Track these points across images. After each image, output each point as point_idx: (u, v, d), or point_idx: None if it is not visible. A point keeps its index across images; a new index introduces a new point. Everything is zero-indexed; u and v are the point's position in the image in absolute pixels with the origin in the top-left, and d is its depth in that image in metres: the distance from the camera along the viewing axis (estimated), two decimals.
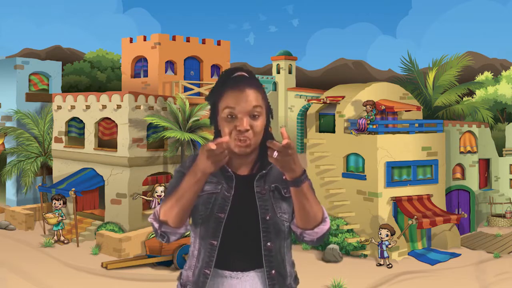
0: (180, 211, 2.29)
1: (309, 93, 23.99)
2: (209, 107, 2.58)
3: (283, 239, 2.46)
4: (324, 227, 2.40)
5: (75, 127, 17.63)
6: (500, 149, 20.35)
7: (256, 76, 2.55)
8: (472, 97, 28.79)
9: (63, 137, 17.84)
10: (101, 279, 12.10)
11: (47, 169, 19.79)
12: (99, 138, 16.87)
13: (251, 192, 2.44)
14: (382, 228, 13.68)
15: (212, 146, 2.14)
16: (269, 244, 2.40)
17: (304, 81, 37.72)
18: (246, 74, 2.44)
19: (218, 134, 2.52)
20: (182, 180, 2.31)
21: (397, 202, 14.73)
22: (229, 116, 2.36)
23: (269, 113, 2.51)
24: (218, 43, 20.94)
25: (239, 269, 2.42)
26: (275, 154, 2.14)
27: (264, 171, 2.46)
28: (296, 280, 2.59)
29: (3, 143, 20.12)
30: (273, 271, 2.43)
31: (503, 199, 19.34)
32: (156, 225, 2.35)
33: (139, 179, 16.06)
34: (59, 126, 17.96)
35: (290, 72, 26.28)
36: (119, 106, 15.99)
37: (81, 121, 17.32)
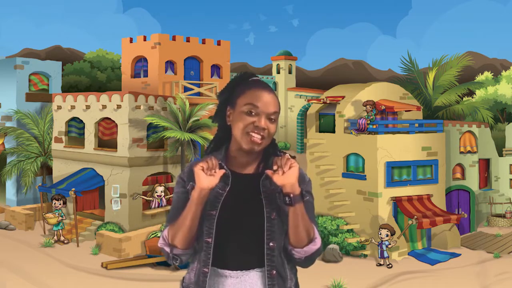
0: (185, 234, 2.37)
1: (309, 93, 24.00)
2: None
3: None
4: (313, 247, 2.42)
5: (75, 127, 17.63)
6: (500, 149, 20.34)
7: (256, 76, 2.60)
8: (472, 97, 28.78)
9: (63, 137, 17.83)
10: (101, 279, 12.10)
11: (47, 169, 19.78)
12: (99, 138, 16.87)
13: (256, 191, 2.46)
14: (382, 228, 13.68)
15: (201, 164, 2.33)
16: (271, 244, 2.41)
17: (304, 81, 37.70)
18: None
19: (223, 130, 2.56)
20: (181, 196, 2.49)
21: (397, 202, 14.73)
22: (248, 112, 2.42)
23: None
24: (218, 43, 20.95)
25: (239, 268, 2.42)
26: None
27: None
28: (297, 286, 2.58)
29: (3, 143, 20.12)
30: (274, 272, 2.42)
31: (503, 199, 19.34)
32: (168, 249, 2.43)
33: (139, 179, 16.06)
34: (59, 126, 17.96)
35: (290, 72, 26.30)
36: (119, 106, 15.99)
37: (81, 121, 17.31)
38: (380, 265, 13.65)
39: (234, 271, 2.42)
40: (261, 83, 2.52)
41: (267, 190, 2.45)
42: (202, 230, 2.43)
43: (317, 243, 2.43)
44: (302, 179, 2.57)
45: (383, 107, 15.01)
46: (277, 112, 2.47)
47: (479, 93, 28.95)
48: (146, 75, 19.66)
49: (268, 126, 2.42)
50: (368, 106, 14.83)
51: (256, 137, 2.39)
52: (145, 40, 19.72)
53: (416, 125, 15.58)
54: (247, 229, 2.41)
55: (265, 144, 2.45)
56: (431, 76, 24.55)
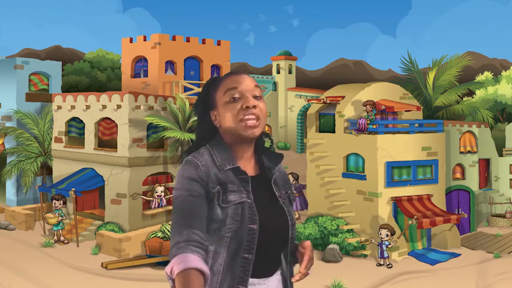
0: None
1: (309, 93, 24.03)
2: None
3: None
4: None
5: (75, 127, 17.63)
6: (500, 149, 20.34)
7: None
8: (472, 97, 28.79)
9: (63, 137, 17.83)
10: (101, 279, 12.10)
11: (47, 169, 19.78)
12: (99, 138, 16.87)
13: (269, 195, 2.35)
14: (382, 228, 13.67)
15: None
16: (289, 248, 2.42)
17: (304, 81, 37.72)
18: None
19: (206, 132, 2.40)
20: (197, 201, 2.14)
21: (397, 202, 14.73)
22: (232, 99, 2.25)
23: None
24: (218, 43, 20.94)
25: (266, 275, 2.32)
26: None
27: (276, 173, 2.43)
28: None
29: (3, 143, 20.12)
30: (288, 274, 2.46)
31: (503, 199, 19.33)
32: (171, 283, 2.07)
33: (139, 179, 16.05)
34: (59, 126, 17.95)
35: (290, 72, 26.29)
36: (119, 106, 15.98)
37: (81, 121, 17.31)
38: (380, 265, 13.65)
39: (261, 278, 2.29)
40: (232, 72, 2.39)
41: (282, 195, 2.39)
42: (240, 244, 2.18)
43: None
44: (287, 180, 2.56)
45: (383, 107, 15.01)
46: (259, 87, 2.31)
47: (479, 93, 28.95)
48: (146, 75, 19.65)
49: (258, 104, 2.26)
50: (368, 106, 14.82)
51: (251, 118, 2.22)
52: (145, 40, 19.72)
53: (416, 125, 15.58)
54: (276, 237, 2.29)
55: (262, 126, 2.28)
56: (431, 76, 24.55)
